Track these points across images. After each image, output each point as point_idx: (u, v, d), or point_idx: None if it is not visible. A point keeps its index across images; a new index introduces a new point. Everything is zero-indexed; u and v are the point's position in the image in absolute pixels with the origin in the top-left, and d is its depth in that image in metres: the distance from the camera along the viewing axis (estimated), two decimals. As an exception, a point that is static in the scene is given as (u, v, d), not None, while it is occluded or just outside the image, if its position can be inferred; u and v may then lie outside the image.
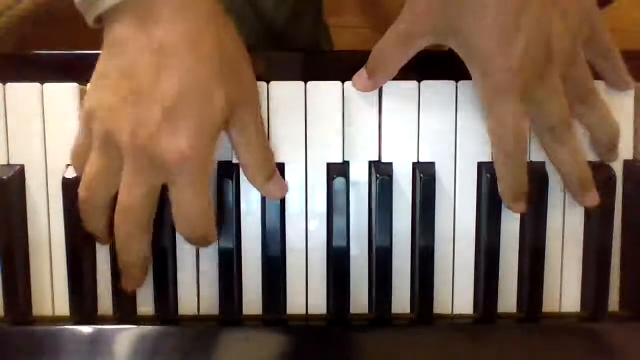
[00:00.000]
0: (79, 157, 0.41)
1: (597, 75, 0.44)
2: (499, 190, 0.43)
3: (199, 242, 0.41)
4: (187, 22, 0.38)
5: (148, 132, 0.37)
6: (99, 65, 0.40)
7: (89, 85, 0.40)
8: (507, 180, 0.42)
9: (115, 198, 0.40)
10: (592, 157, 0.45)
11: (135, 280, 0.42)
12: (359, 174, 0.45)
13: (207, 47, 0.38)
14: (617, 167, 0.45)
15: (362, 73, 0.44)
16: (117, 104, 0.38)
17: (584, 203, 0.44)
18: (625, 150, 0.45)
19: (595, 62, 0.43)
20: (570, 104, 0.41)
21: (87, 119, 0.40)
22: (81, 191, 0.41)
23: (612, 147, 0.44)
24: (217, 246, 0.44)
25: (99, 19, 0.39)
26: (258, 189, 0.43)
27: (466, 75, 0.43)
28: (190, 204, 0.39)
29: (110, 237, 0.42)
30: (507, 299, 0.45)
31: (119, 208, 0.40)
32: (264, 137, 0.42)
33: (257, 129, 0.41)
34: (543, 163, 0.44)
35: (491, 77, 0.40)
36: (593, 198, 0.43)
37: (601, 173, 0.44)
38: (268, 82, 0.44)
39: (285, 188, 0.44)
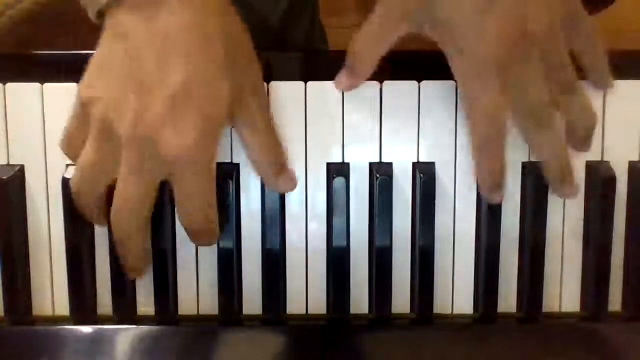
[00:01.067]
0: (72, 145, 0.40)
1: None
2: (476, 177, 0.42)
3: (201, 239, 0.41)
4: (193, 11, 0.37)
5: (150, 123, 0.36)
6: (99, 53, 0.39)
7: (86, 72, 0.39)
8: (483, 169, 0.41)
9: (110, 188, 0.39)
10: (591, 156, 0.45)
11: (137, 272, 0.42)
12: (359, 174, 0.45)
13: (213, 37, 0.38)
14: (622, 168, 0.45)
15: (342, 72, 0.43)
16: (119, 93, 0.37)
17: (562, 195, 0.43)
18: (630, 151, 0.45)
19: (575, 48, 0.41)
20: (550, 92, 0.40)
21: (85, 106, 0.39)
22: (74, 183, 0.40)
23: (587, 137, 0.43)
24: (217, 246, 0.44)
25: (101, 12, 0.39)
26: (268, 184, 0.43)
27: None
28: (193, 199, 0.39)
29: (106, 221, 0.41)
30: (507, 299, 0.45)
31: (116, 202, 0.39)
32: (272, 130, 0.41)
33: (265, 122, 0.41)
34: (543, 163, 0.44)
35: (467, 59, 0.39)
36: (572, 190, 0.43)
37: (601, 172, 0.44)
38: (268, 82, 0.44)
39: (295, 182, 0.43)
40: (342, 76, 0.43)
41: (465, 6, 0.38)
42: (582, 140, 0.43)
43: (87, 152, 0.39)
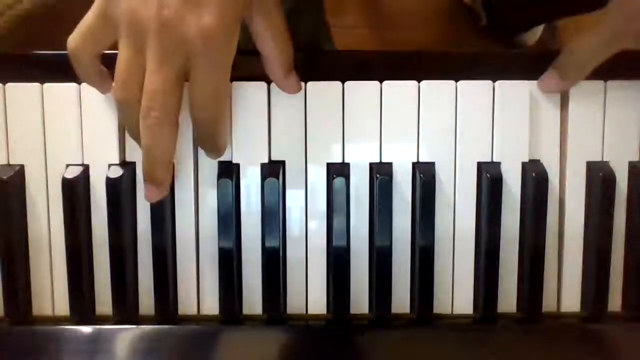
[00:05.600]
0: (85, 41, 0.41)
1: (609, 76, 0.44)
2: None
3: (208, 139, 0.41)
4: None
5: (172, 8, 0.37)
6: None
7: None
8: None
9: None
10: (591, 156, 0.45)
11: (159, 185, 0.41)
12: (359, 174, 0.45)
13: None
14: (622, 168, 0.45)
15: (552, 75, 0.44)
16: None
17: None
18: (630, 152, 0.45)
19: None
20: None
21: (107, 4, 0.39)
22: (118, 91, 0.40)
23: None
24: (217, 246, 0.44)
25: None
26: (277, 82, 0.43)
27: (466, 76, 0.43)
28: (207, 85, 0.39)
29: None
30: (507, 299, 0.45)
31: (145, 97, 0.39)
32: (286, 29, 0.42)
33: (281, 18, 0.42)
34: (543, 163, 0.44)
35: None
36: None
37: (601, 172, 0.44)
38: (269, 83, 0.44)
39: (300, 86, 0.44)
40: (552, 79, 0.44)
41: None
42: None
43: (121, 58, 0.39)
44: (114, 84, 0.40)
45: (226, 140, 0.42)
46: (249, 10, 0.40)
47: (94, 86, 0.43)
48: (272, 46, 0.42)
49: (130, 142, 0.44)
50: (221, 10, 0.38)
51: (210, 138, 0.41)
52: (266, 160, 0.44)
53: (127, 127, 0.41)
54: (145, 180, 0.40)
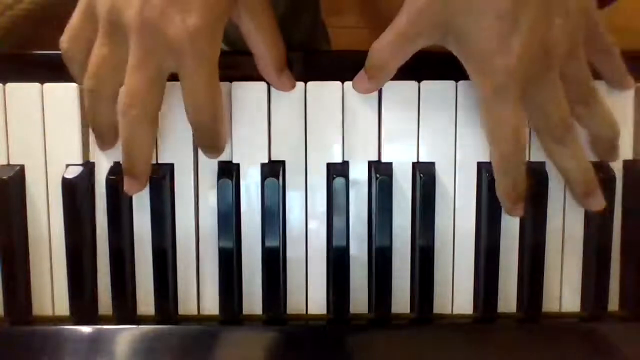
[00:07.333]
0: (76, 41, 0.41)
1: (597, 76, 0.43)
2: (497, 193, 0.42)
3: (207, 143, 0.41)
4: None
5: (156, 8, 0.37)
6: None
7: None
8: (505, 183, 0.42)
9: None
10: (591, 157, 0.45)
11: (139, 179, 0.41)
12: (359, 174, 0.45)
13: None
14: (617, 167, 0.45)
15: (361, 75, 0.43)
16: None
17: (588, 207, 0.44)
18: (625, 150, 0.45)
19: (595, 61, 0.43)
20: (570, 105, 0.41)
21: (91, 1, 0.39)
22: (87, 80, 0.40)
23: (611, 147, 0.44)
24: (217, 246, 0.44)
25: None
26: (270, 81, 0.43)
27: (466, 76, 0.43)
28: (198, 91, 0.39)
29: (115, 136, 0.41)
30: (507, 299, 0.45)
31: (124, 93, 0.39)
32: (275, 26, 0.42)
33: (269, 16, 0.41)
34: (543, 163, 0.44)
35: (489, 77, 0.39)
36: (598, 202, 0.43)
37: (601, 173, 0.44)
38: (269, 83, 0.44)
39: (294, 82, 0.44)
40: (361, 80, 0.43)
41: (489, 25, 0.39)
42: (606, 152, 0.44)
43: (97, 49, 0.39)
44: (87, 72, 0.40)
45: (225, 139, 0.42)
46: (235, 10, 0.40)
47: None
48: (262, 44, 0.42)
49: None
50: (205, 10, 0.37)
51: (210, 139, 0.41)
52: (266, 160, 0.44)
53: (91, 118, 0.41)
54: (125, 175, 0.41)
